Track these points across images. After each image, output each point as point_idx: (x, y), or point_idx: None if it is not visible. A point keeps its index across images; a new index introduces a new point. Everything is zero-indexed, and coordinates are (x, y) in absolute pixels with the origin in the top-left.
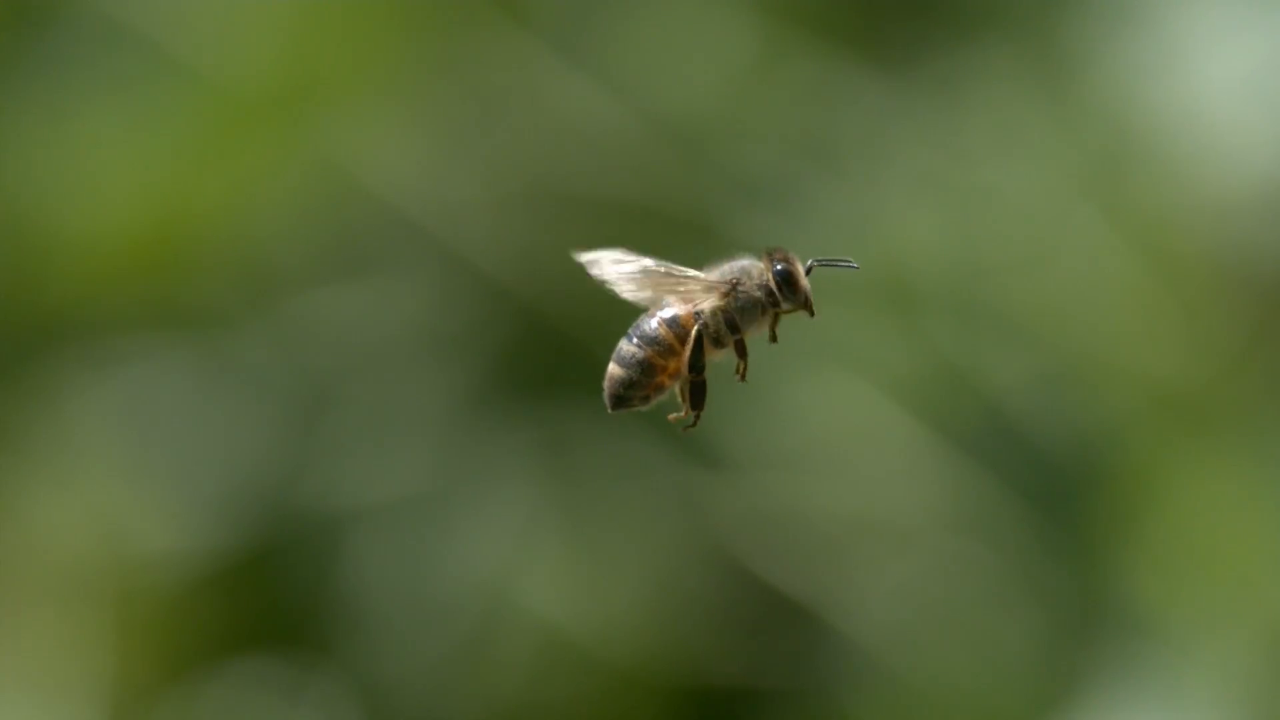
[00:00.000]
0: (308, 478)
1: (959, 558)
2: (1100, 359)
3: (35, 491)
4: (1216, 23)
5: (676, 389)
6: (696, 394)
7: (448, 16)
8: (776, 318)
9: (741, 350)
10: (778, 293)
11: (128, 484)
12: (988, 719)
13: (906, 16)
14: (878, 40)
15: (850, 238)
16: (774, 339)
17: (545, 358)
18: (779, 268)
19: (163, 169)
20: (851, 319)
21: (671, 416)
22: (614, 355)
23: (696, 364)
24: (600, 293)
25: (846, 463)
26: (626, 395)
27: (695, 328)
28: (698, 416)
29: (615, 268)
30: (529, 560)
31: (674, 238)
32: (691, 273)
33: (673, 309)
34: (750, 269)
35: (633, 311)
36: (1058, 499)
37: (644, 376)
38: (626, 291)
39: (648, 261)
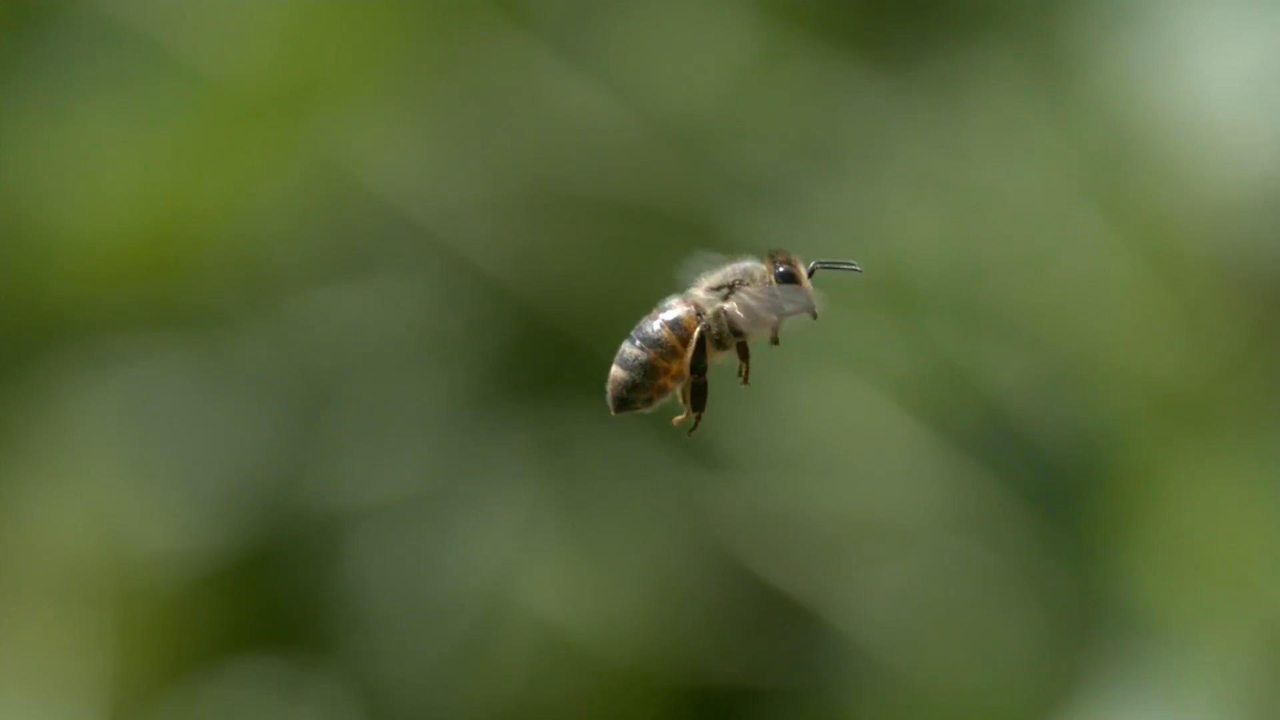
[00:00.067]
0: (308, 478)
1: (959, 558)
2: (1100, 359)
3: (35, 491)
4: (1216, 23)
5: (678, 391)
6: (698, 396)
7: (448, 16)
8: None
9: (744, 352)
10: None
11: (128, 484)
12: (988, 719)
13: (906, 16)
14: (878, 40)
15: (850, 238)
16: (776, 341)
17: (545, 358)
18: (781, 270)
19: (163, 169)
20: (851, 319)
21: (676, 420)
22: (616, 357)
23: (698, 366)
24: (600, 293)
25: (846, 463)
26: (629, 398)
27: (697, 329)
28: (699, 419)
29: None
30: (529, 560)
31: (674, 238)
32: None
33: (675, 311)
34: (753, 271)
35: (633, 312)
36: (1058, 499)
37: (646, 379)
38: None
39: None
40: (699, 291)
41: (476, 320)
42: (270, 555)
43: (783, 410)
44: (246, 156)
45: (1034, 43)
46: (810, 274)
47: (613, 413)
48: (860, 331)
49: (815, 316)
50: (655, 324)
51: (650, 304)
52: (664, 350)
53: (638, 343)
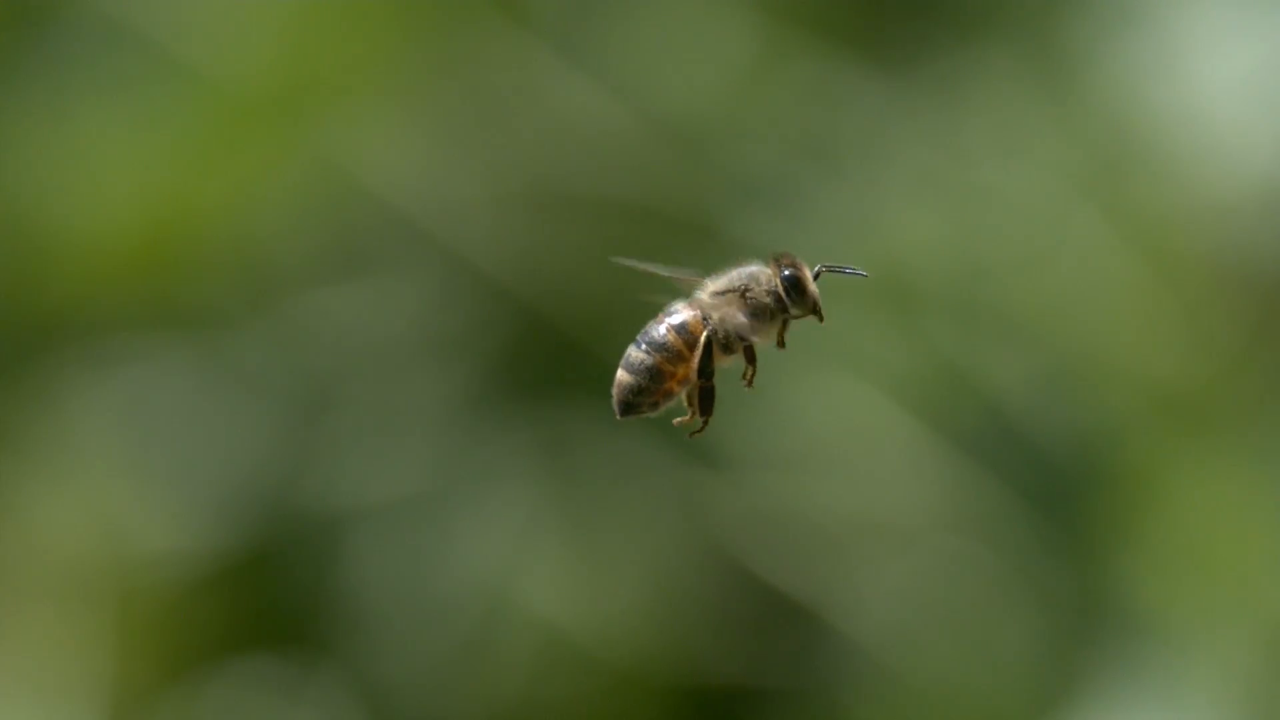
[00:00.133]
0: (308, 478)
1: (959, 558)
2: (1100, 359)
3: (35, 491)
4: (1216, 23)
5: (683, 395)
6: (705, 400)
7: (448, 16)
8: (785, 324)
9: (750, 356)
10: (786, 298)
11: (128, 484)
12: (988, 719)
13: (906, 16)
14: (878, 40)
15: (850, 238)
16: (782, 345)
17: (545, 358)
18: (787, 273)
19: (163, 169)
20: (851, 319)
21: (678, 421)
22: (622, 362)
23: (706, 370)
24: (600, 293)
25: (846, 463)
26: (635, 402)
27: (704, 334)
28: (706, 422)
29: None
30: (529, 560)
31: (674, 238)
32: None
33: (681, 315)
34: (758, 275)
35: (634, 313)
36: (1058, 499)
37: (653, 383)
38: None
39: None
40: (705, 296)
41: (476, 320)
42: (270, 555)
43: (783, 410)
44: (246, 156)
45: (1034, 43)
46: (815, 277)
47: (618, 417)
48: (860, 331)
49: (821, 320)
50: (661, 328)
51: (653, 306)
52: (670, 354)
53: (644, 347)
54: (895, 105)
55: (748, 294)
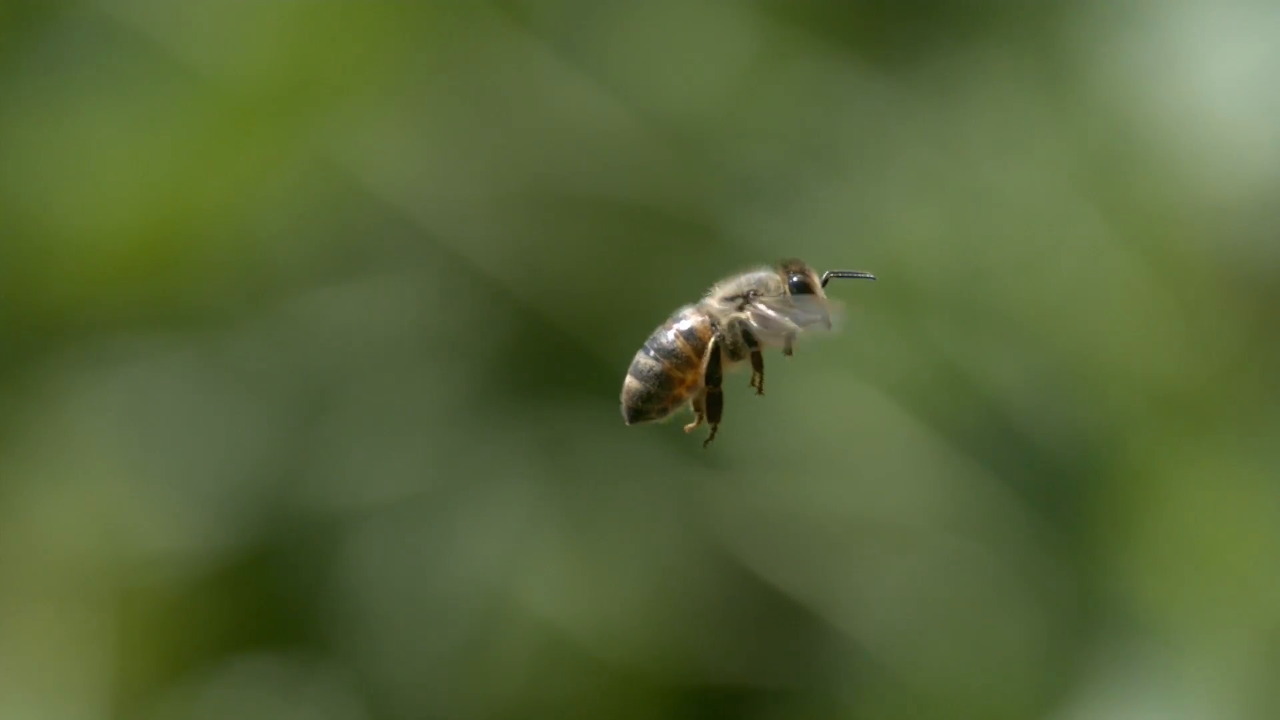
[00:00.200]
0: (308, 478)
1: (959, 558)
2: (1100, 359)
3: (35, 491)
4: (1216, 23)
5: (690, 401)
6: (714, 406)
7: (447, 16)
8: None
9: (758, 362)
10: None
11: (128, 484)
12: (988, 719)
13: (906, 16)
14: (878, 40)
15: (850, 238)
16: (790, 352)
17: (545, 358)
18: (795, 280)
19: (163, 169)
20: (851, 319)
21: (688, 427)
22: (631, 368)
23: (714, 376)
24: (600, 293)
25: (847, 463)
26: (645, 408)
27: (712, 340)
28: (715, 429)
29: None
30: (529, 560)
31: (674, 238)
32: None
33: (689, 321)
34: (767, 281)
35: (633, 312)
36: (1058, 499)
37: (661, 389)
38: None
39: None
40: (713, 301)
41: (476, 320)
42: (270, 555)
43: (783, 410)
44: (246, 156)
45: (1034, 43)
46: (824, 283)
47: (627, 423)
48: (860, 331)
49: (830, 327)
50: (670, 334)
51: (652, 305)
52: (679, 360)
53: (652, 353)
54: (895, 105)
55: (756, 300)
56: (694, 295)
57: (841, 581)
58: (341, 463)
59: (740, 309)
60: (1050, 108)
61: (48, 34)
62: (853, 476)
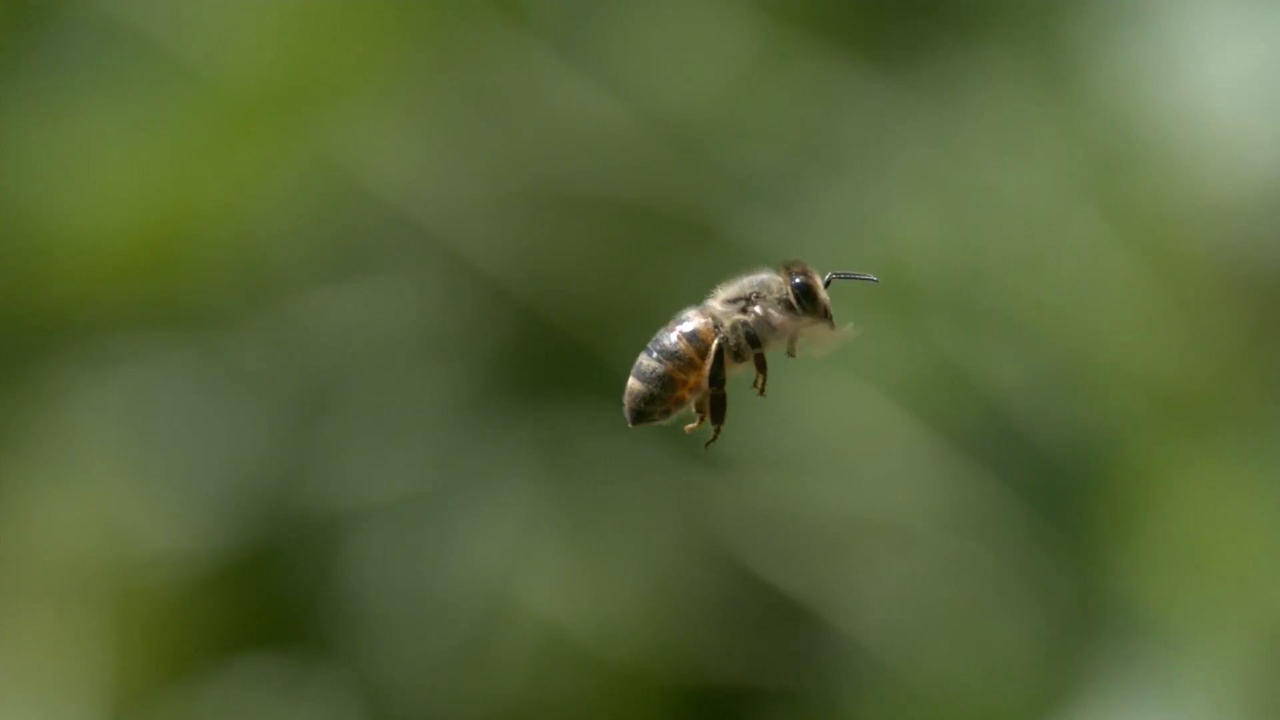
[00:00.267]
0: (308, 478)
1: (959, 558)
2: (1100, 359)
3: (35, 491)
4: (1216, 23)
5: (693, 403)
6: (717, 408)
7: (447, 16)
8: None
9: (761, 364)
10: (796, 306)
11: (128, 484)
12: (988, 719)
13: (906, 16)
14: (878, 40)
15: (850, 238)
16: (792, 354)
17: (545, 358)
18: (797, 281)
19: (163, 169)
20: (852, 319)
21: (689, 428)
22: (633, 370)
23: (717, 378)
24: (600, 293)
25: (847, 463)
26: (647, 410)
27: (715, 341)
28: (718, 430)
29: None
30: (529, 560)
31: (674, 238)
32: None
33: (692, 322)
34: (769, 282)
35: (633, 312)
36: (1058, 499)
37: (664, 391)
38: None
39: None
40: (715, 303)
41: (476, 320)
42: (270, 555)
43: (783, 410)
44: (246, 156)
45: (1034, 43)
46: (827, 284)
47: (630, 425)
48: (860, 331)
49: (832, 328)
50: (672, 336)
51: (652, 305)
52: (681, 362)
53: (655, 355)
54: (895, 105)
55: (758, 302)
56: (694, 295)
57: (841, 581)
58: (341, 463)
59: (743, 311)
60: (1050, 108)
61: (48, 34)
62: (853, 476)
